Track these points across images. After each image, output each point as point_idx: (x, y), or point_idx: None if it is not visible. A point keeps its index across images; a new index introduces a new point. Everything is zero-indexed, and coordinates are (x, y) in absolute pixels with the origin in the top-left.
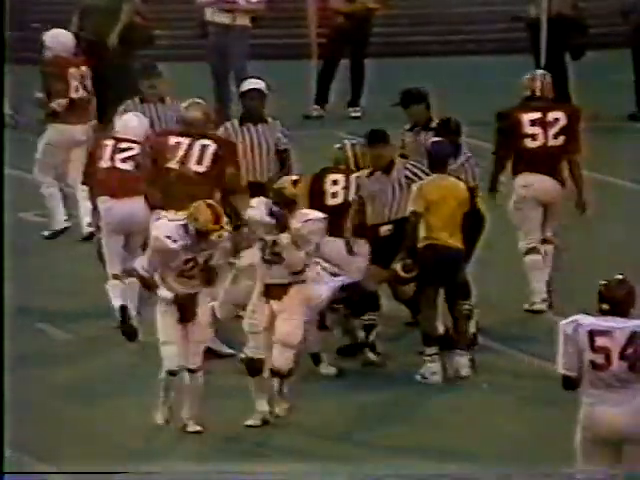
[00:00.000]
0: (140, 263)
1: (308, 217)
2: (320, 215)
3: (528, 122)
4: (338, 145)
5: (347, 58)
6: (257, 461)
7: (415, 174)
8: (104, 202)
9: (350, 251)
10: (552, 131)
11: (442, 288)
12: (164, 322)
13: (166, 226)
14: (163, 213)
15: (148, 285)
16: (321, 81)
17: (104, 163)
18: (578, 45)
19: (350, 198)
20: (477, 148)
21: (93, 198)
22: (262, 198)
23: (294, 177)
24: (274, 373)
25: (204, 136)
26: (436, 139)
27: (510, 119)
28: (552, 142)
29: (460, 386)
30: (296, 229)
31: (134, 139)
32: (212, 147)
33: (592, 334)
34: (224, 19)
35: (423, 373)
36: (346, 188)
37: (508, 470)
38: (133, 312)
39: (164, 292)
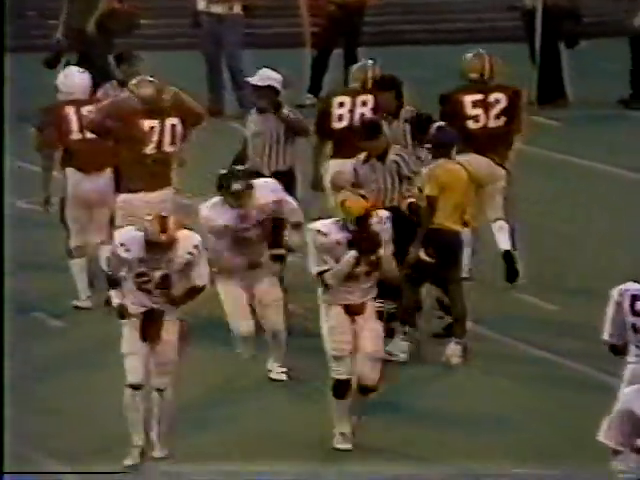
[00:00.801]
0: (104, 260)
1: (385, 217)
2: (387, 212)
3: (470, 103)
4: (361, 63)
5: (340, 47)
6: (255, 462)
7: (405, 161)
8: (73, 175)
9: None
10: (493, 112)
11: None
12: (127, 334)
13: (126, 233)
14: (137, 196)
15: (111, 282)
16: (315, 70)
17: (75, 135)
18: (572, 34)
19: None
20: None
21: (62, 165)
22: (324, 224)
23: (355, 201)
24: (367, 390)
25: (167, 113)
26: (439, 124)
27: (452, 101)
28: (493, 123)
29: (454, 373)
30: (383, 234)
31: (88, 99)
32: (179, 126)
33: (634, 298)
34: (217, 9)
35: (391, 350)
36: (352, 111)
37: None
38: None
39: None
